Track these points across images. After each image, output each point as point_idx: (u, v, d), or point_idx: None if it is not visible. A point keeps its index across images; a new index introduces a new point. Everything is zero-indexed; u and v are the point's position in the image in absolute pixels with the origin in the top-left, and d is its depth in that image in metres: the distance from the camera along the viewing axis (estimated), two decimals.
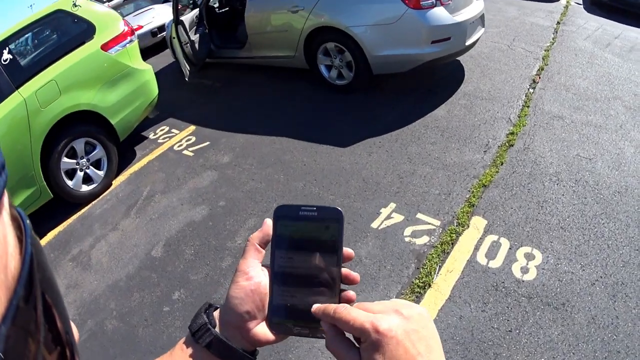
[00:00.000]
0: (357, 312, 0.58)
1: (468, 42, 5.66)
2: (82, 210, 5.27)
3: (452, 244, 3.50)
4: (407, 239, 3.61)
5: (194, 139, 6.04)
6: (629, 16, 8.56)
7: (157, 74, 6.58)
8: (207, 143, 5.81)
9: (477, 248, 3.46)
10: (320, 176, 4.51)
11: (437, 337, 0.56)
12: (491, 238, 3.52)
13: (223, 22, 7.78)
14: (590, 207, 3.71)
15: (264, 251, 0.69)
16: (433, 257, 3.40)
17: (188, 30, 7.21)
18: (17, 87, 5.07)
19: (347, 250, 0.64)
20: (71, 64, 5.36)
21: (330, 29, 5.84)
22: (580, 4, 9.49)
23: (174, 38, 7.05)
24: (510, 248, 3.42)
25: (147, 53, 10.41)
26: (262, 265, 0.68)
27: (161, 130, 6.55)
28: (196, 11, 7.77)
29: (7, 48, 5.25)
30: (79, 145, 5.45)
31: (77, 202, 5.48)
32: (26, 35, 5.85)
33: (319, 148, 5.01)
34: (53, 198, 5.22)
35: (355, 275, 0.65)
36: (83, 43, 5.52)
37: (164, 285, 3.84)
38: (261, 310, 0.65)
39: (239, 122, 6.05)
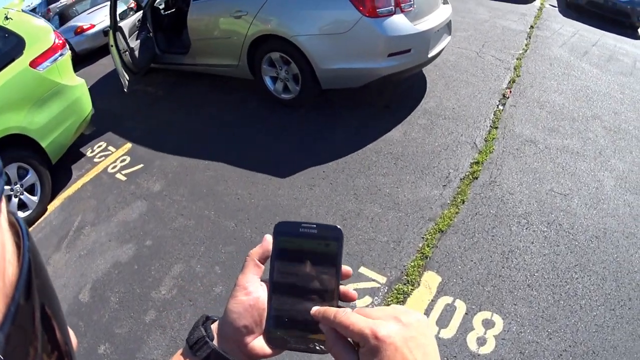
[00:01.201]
0: (357, 317, 0.59)
1: (431, 54, 5.30)
2: None
3: (401, 303, 3.28)
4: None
5: (128, 159, 5.90)
6: (606, 21, 8.49)
7: (103, 79, 6.93)
8: (141, 166, 5.67)
9: (427, 313, 3.16)
10: (254, 214, 4.41)
11: (434, 344, 0.58)
12: (445, 300, 3.25)
13: (168, 25, 7.54)
14: (563, 257, 3.43)
15: (263, 267, 0.71)
16: None
17: (127, 36, 6.90)
18: None
19: (345, 268, 0.66)
20: (1, 84, 5.06)
21: (275, 37, 5.50)
22: (555, 7, 9.37)
23: (112, 46, 6.72)
24: (466, 313, 3.11)
25: (98, 54, 10.41)
26: (261, 281, 0.70)
27: (98, 147, 6.40)
28: (138, 15, 7.46)
29: None
30: (12, 170, 5.27)
31: None
32: None
33: (255, 177, 4.85)
34: None
35: (354, 293, 0.67)
36: (12, 60, 5.23)
37: (90, 336, 3.80)
38: (259, 325, 0.67)
39: (175, 141, 5.93)
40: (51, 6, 25.53)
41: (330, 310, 0.62)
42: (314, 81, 5.40)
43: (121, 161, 5.89)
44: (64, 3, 16.04)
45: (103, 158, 6.11)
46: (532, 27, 7.88)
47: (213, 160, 5.27)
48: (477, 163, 4.40)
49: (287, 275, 0.66)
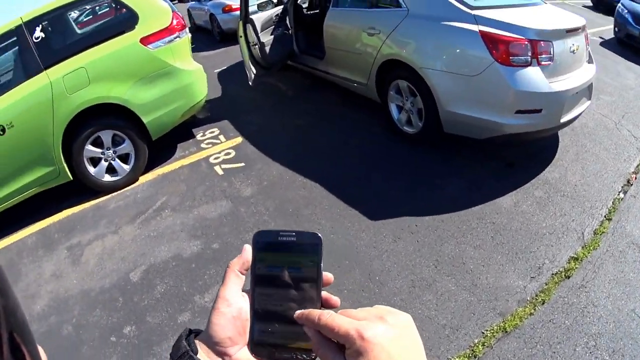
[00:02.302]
0: (342, 319, 0.61)
1: (565, 119, 4.86)
2: (100, 199, 5.72)
3: None
4: None
5: (233, 154, 6.10)
6: None
7: (240, 64, 7.09)
8: (242, 165, 5.81)
9: None
10: (327, 250, 3.74)
11: (420, 344, 0.60)
12: None
13: (310, 26, 7.63)
14: None
15: (243, 277, 0.73)
16: None
17: (259, 30, 7.11)
18: (46, 68, 5.31)
19: (326, 275, 0.69)
20: (105, 53, 5.47)
21: (404, 65, 5.31)
22: None
23: (240, 37, 6.91)
24: None
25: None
26: (243, 291, 0.72)
27: (210, 133, 6.73)
28: (276, 10, 7.70)
29: (40, 25, 5.44)
30: (106, 136, 5.68)
31: (98, 189, 5.82)
32: (63, 16, 5.94)
33: (345, 212, 4.69)
34: (76, 181, 5.69)
35: (336, 299, 0.69)
36: (122, 32, 5.57)
37: (123, 313, 4.02)
38: (243, 336, 0.69)
39: (284, 147, 6.02)
40: None
41: (314, 312, 0.63)
42: (436, 121, 5.16)
43: (225, 154, 6.11)
44: None
45: (210, 145, 6.39)
46: None
47: (312, 179, 5.23)
48: (576, 259, 3.92)
49: (268, 285, 0.67)
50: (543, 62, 4.58)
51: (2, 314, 0.35)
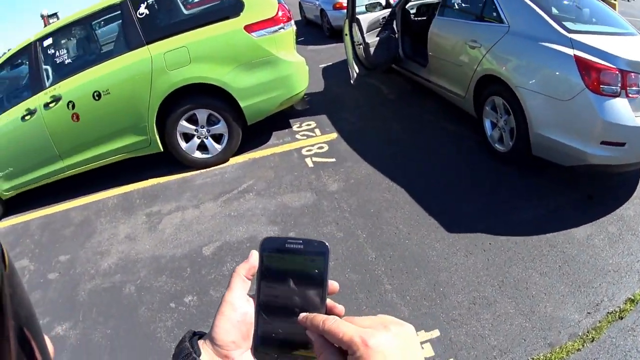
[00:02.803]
0: (346, 326, 0.62)
1: None
2: (188, 174, 6.09)
3: None
4: None
5: (325, 148, 6.23)
6: None
7: (342, 63, 7.46)
8: (333, 160, 5.91)
9: None
10: (399, 255, 4.26)
11: (421, 356, 0.62)
12: None
13: (416, 32, 7.60)
14: None
15: (249, 282, 0.74)
16: None
17: (365, 31, 7.21)
18: (148, 43, 5.71)
19: (332, 284, 0.69)
20: (208, 36, 5.78)
21: (500, 81, 5.25)
22: None
23: (345, 35, 7.14)
24: None
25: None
26: (248, 296, 0.73)
27: (306, 125, 6.93)
28: (384, 12, 7.77)
29: (145, 2, 5.82)
30: (202, 115, 5.99)
31: (187, 164, 6.18)
32: None
33: (424, 220, 4.65)
34: (167, 153, 6.10)
35: (341, 307, 0.70)
36: (227, 18, 5.84)
37: (188, 283, 4.27)
38: (246, 340, 0.71)
39: (376, 149, 6.03)
40: None
41: (319, 317, 0.64)
42: (526, 142, 5.08)
43: (318, 147, 6.26)
44: None
45: (305, 137, 6.59)
46: None
47: (398, 184, 5.21)
48: (632, 301, 3.72)
49: (273, 291, 0.68)
50: (631, 95, 4.47)
51: (9, 305, 0.35)
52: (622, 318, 3.60)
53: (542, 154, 5.03)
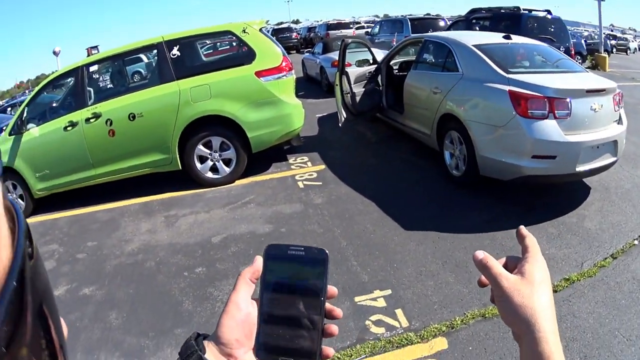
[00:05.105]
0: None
1: (581, 169, 5.54)
2: (199, 190, 7.27)
3: (398, 347, 3.86)
4: (367, 323, 4.14)
5: (315, 175, 7.49)
6: None
7: (335, 114, 8.67)
8: (320, 183, 7.15)
9: None
10: (363, 245, 5.29)
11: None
12: None
13: (398, 85, 8.75)
14: None
15: (253, 285, 0.79)
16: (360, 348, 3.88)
17: (352, 82, 8.60)
18: (178, 79, 7.05)
19: (331, 288, 0.75)
20: (226, 77, 7.11)
21: (455, 118, 6.44)
22: None
23: (336, 85, 8.51)
24: None
25: None
26: (252, 299, 0.78)
27: (300, 159, 8.26)
28: (371, 67, 9.15)
29: (177, 46, 7.23)
30: (216, 141, 7.24)
31: (200, 182, 7.37)
32: (196, 42, 7.92)
33: (387, 221, 5.76)
34: (183, 172, 7.28)
35: (339, 311, 0.76)
36: (241, 64, 7.20)
37: (199, 260, 5.29)
38: (249, 339, 0.75)
39: (357, 176, 7.25)
40: (331, 31, 30.33)
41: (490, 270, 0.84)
42: (475, 165, 6.15)
43: (309, 175, 7.54)
44: (343, 35, 19.28)
45: (298, 167, 7.91)
46: None
47: (370, 199, 6.34)
48: (567, 280, 4.52)
49: (276, 294, 0.73)
50: (559, 116, 5.38)
51: (29, 279, 0.35)
52: (556, 292, 4.32)
53: (488, 172, 6.04)
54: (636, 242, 5.19)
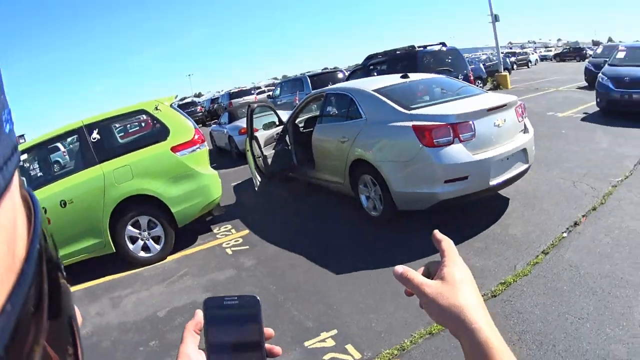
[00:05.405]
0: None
1: (494, 182, 5.91)
2: (137, 270, 7.50)
3: None
4: None
5: (241, 241, 7.97)
6: None
7: (249, 180, 9.32)
8: (247, 247, 7.65)
9: None
10: (299, 295, 5.76)
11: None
12: None
13: (306, 142, 9.12)
14: None
15: (198, 336, 0.86)
16: None
17: (262, 145, 9.17)
18: (100, 162, 7.34)
19: (267, 330, 0.81)
20: (145, 156, 7.47)
21: (366, 162, 6.77)
22: None
23: (247, 150, 8.98)
24: None
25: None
26: (199, 349, 0.84)
27: (224, 228, 8.71)
28: (278, 129, 9.67)
29: (96, 129, 7.55)
30: (143, 220, 7.56)
31: (133, 262, 7.61)
32: (112, 124, 8.15)
33: (315, 269, 6.23)
34: (116, 253, 7.47)
35: (278, 349, 0.83)
36: (157, 142, 7.59)
37: (150, 334, 5.53)
38: None
39: (280, 235, 7.77)
40: (233, 100, 31.40)
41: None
42: (391, 202, 6.48)
43: (235, 241, 8.04)
44: (246, 102, 19.53)
45: (223, 236, 8.39)
46: None
47: (297, 253, 6.83)
48: (503, 283, 4.87)
49: (219, 341, 0.77)
50: (464, 139, 5.69)
51: (45, 261, 0.36)
52: (495, 296, 4.68)
53: (405, 206, 6.40)
54: (565, 234, 5.60)
